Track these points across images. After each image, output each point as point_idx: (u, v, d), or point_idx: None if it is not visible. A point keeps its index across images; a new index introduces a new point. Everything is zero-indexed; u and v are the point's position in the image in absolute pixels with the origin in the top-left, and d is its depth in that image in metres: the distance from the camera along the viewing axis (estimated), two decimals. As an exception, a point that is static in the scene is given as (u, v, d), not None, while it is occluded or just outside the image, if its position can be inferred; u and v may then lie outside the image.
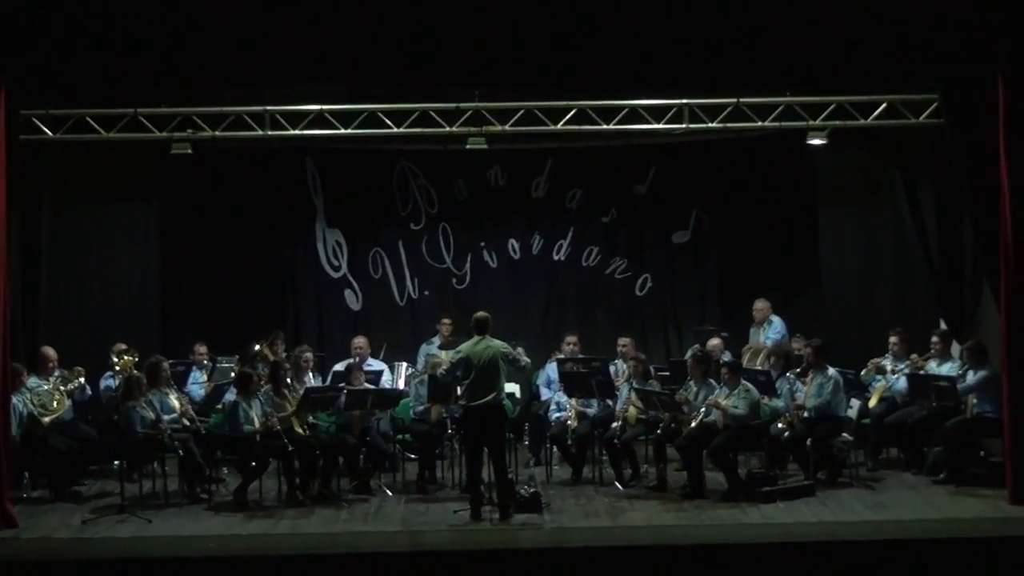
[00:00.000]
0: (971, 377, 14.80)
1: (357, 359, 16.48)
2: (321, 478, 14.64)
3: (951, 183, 16.06)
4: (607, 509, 14.04)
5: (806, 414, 14.77)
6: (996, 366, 14.47)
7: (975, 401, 14.74)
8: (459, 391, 13.96)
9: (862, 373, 15.80)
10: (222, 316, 18.27)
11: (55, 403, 14.92)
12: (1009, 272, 13.64)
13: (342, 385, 15.31)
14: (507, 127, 16.33)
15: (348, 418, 14.96)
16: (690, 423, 14.59)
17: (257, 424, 14.37)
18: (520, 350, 14.57)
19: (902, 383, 15.53)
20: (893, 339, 16.03)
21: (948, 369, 15.42)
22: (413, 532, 13.20)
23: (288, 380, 15.20)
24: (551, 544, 12.90)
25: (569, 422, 15.51)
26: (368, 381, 15.79)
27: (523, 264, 19.22)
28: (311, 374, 16.01)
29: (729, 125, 16.41)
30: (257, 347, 16.43)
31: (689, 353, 16.02)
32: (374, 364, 16.81)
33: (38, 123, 15.88)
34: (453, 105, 16.16)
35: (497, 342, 13.86)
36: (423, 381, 15.63)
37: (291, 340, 17.49)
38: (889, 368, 15.79)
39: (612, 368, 16.27)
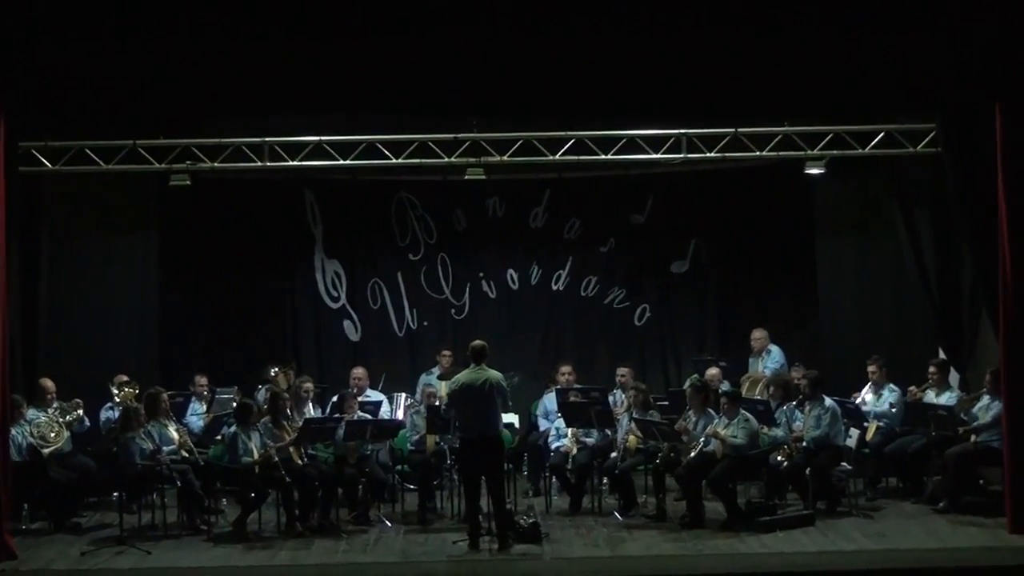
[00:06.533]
0: (987, 411, 14.68)
1: (355, 390, 16.45)
2: (320, 509, 14.61)
3: (949, 211, 16.08)
4: (606, 539, 13.98)
5: (804, 445, 14.75)
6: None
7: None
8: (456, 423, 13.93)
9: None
10: (221, 347, 18.23)
11: (54, 435, 14.89)
12: (1007, 301, 13.62)
13: (339, 416, 15.30)
14: (505, 157, 16.39)
15: (344, 449, 14.93)
16: (689, 453, 14.57)
17: (256, 455, 14.35)
18: (516, 379, 14.48)
19: (885, 406, 15.62)
20: (872, 368, 16.07)
21: (946, 399, 15.40)
22: (412, 563, 13.15)
23: (288, 411, 15.18)
24: (550, 574, 12.87)
25: (568, 449, 15.43)
26: (367, 412, 15.77)
27: (522, 294, 19.19)
28: (311, 405, 15.99)
29: (727, 155, 16.49)
30: (274, 372, 16.44)
31: (688, 383, 16.04)
32: (373, 395, 16.79)
33: (37, 155, 15.95)
34: (451, 136, 16.24)
35: (493, 372, 13.72)
36: (419, 412, 15.64)
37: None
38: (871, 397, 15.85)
39: (611, 398, 16.25)
